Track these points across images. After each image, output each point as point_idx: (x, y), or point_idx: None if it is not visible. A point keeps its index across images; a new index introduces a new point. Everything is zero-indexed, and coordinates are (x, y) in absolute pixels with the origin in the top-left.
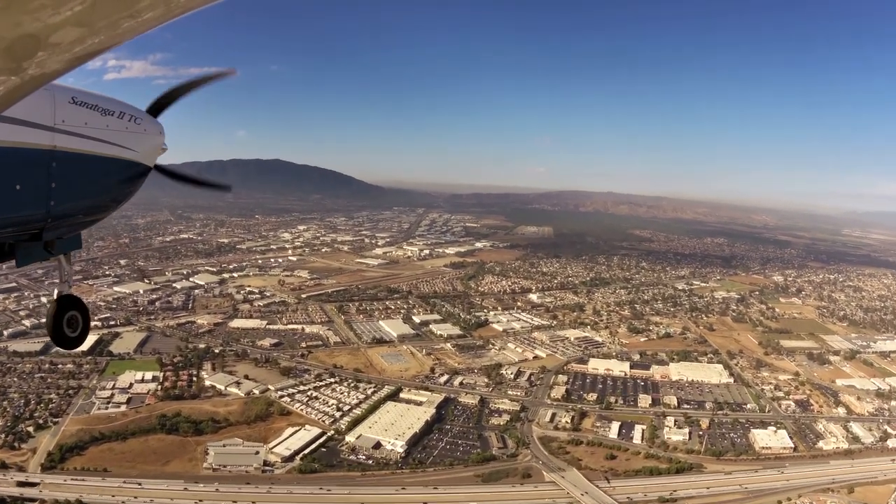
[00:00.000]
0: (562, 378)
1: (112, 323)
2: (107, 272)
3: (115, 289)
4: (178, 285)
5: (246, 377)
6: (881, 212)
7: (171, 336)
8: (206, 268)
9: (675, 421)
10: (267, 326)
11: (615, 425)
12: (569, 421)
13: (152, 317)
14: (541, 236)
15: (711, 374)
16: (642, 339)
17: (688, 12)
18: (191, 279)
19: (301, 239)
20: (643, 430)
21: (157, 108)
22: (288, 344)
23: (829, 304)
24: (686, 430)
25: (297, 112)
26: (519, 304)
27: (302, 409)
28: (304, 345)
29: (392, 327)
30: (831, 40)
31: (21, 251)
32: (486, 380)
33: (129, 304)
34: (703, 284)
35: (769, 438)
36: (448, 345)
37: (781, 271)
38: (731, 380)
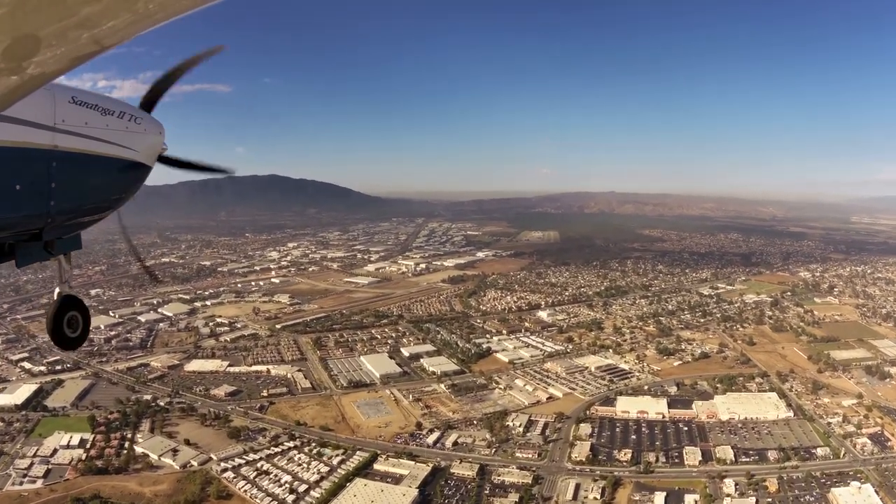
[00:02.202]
0: (585, 428)
1: (58, 368)
2: None
3: None
4: (143, 318)
5: (186, 442)
6: (887, 197)
7: (117, 383)
8: (180, 295)
9: (736, 484)
10: (227, 369)
11: (659, 497)
12: (598, 496)
13: (104, 358)
14: (546, 242)
15: (766, 406)
16: (676, 363)
17: (686, 6)
18: (159, 310)
19: (289, 258)
20: (696, 503)
21: (149, 103)
22: (247, 392)
23: (867, 302)
24: (752, 501)
25: (292, 125)
26: (527, 324)
27: (246, 490)
28: (265, 392)
29: (375, 365)
30: (830, 27)
31: (21, 251)
32: (487, 436)
33: (85, 344)
34: (729, 287)
35: (854, 499)
36: (442, 385)
37: (806, 266)
38: (791, 412)
